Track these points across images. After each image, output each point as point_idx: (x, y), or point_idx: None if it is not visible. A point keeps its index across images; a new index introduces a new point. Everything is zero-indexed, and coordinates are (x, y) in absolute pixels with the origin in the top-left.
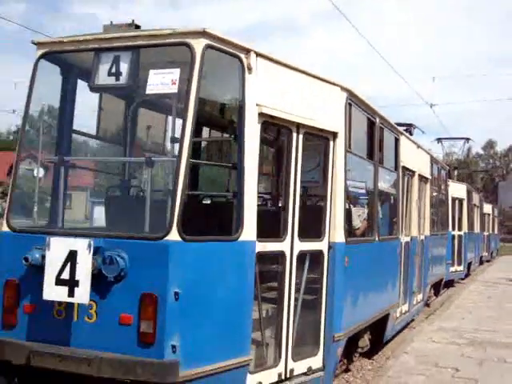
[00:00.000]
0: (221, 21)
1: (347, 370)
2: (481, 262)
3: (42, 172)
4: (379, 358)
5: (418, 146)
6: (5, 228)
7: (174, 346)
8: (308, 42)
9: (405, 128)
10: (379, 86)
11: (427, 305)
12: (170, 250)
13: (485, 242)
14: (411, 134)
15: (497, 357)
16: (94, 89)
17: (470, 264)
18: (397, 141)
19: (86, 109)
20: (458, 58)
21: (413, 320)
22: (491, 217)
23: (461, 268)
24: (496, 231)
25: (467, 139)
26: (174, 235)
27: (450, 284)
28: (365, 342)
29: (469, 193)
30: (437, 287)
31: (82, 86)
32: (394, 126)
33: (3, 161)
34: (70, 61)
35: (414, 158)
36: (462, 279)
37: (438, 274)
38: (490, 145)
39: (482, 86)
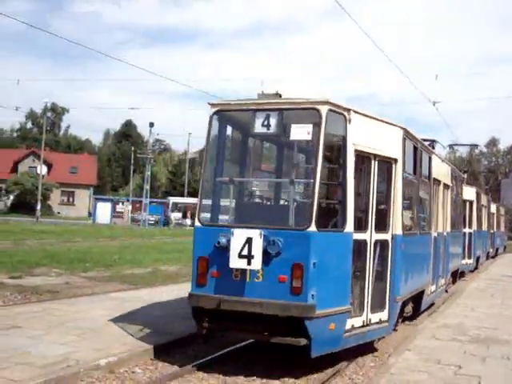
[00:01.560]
0: (222, 18)
1: (395, 330)
2: (487, 257)
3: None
4: (385, 349)
5: (443, 160)
6: (197, 224)
7: (312, 295)
8: (309, 40)
9: (428, 143)
10: (382, 83)
11: (446, 291)
12: (310, 236)
13: (491, 239)
14: (433, 148)
15: (500, 354)
16: (252, 135)
17: (478, 258)
18: (430, 159)
19: (247, 149)
20: (461, 56)
21: (433, 304)
22: (495, 216)
23: (471, 261)
24: (502, 229)
25: (476, 145)
26: (312, 228)
27: (461, 275)
28: (409, 308)
29: (478, 195)
30: (454, 276)
31: (243, 133)
32: (429, 148)
33: (7, 157)
34: (233, 116)
35: (440, 170)
36: (472, 271)
37: (455, 265)
38: (492, 142)
39: (485, 84)
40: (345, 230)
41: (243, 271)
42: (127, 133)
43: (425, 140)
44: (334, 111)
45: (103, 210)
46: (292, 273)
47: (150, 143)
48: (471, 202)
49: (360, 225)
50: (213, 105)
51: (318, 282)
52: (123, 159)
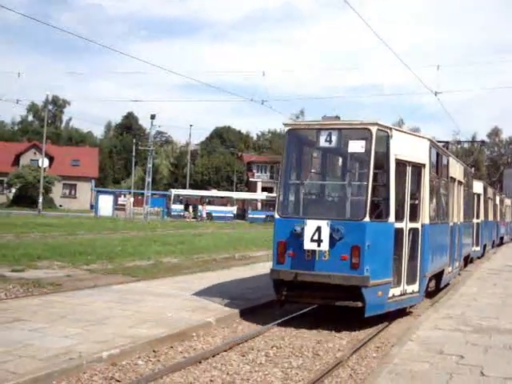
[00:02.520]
0: (223, 9)
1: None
2: (493, 246)
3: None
4: (388, 340)
5: (457, 161)
6: (277, 216)
7: (367, 269)
8: (312, 31)
9: (443, 144)
10: (385, 74)
11: (459, 274)
12: (365, 225)
13: (496, 228)
14: (447, 148)
15: (502, 343)
16: (317, 148)
17: (485, 246)
18: (448, 161)
19: (313, 158)
20: (462, 46)
21: (448, 284)
22: (499, 207)
23: (478, 248)
24: (508, 219)
25: (483, 142)
26: (367, 219)
27: (470, 261)
28: (432, 284)
29: (485, 188)
30: (466, 261)
31: (310, 146)
32: (447, 152)
33: (8, 150)
34: (302, 133)
35: (455, 169)
36: (479, 258)
37: (467, 250)
38: (495, 132)
39: (487, 74)
40: (389, 221)
41: (313, 252)
42: (128, 125)
43: (439, 142)
44: (381, 130)
45: (105, 203)
46: (351, 252)
47: (152, 135)
48: (479, 195)
49: (398, 216)
50: (286, 124)
51: (371, 259)
52: (125, 152)
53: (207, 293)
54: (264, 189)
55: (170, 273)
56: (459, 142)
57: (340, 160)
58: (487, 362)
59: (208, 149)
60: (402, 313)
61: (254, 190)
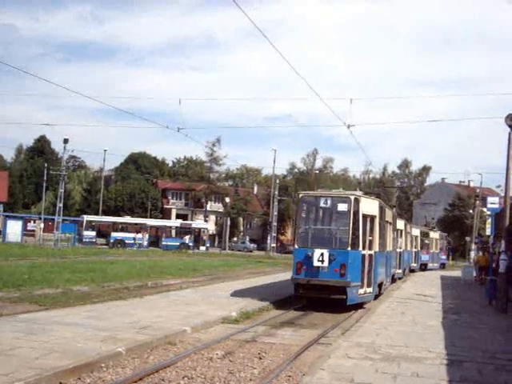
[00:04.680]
0: (143, 35)
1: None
2: (410, 270)
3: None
4: (300, 369)
5: (389, 209)
6: (296, 246)
7: (349, 277)
8: (229, 59)
9: (376, 195)
10: (301, 105)
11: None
12: (348, 252)
13: (413, 256)
14: (379, 195)
15: (410, 371)
16: (318, 207)
17: (405, 269)
18: (385, 211)
19: (316, 213)
20: (376, 80)
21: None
22: (417, 238)
23: (400, 271)
24: (419, 248)
25: (401, 188)
26: (349, 248)
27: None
28: (377, 289)
29: (405, 225)
30: (393, 279)
31: (314, 206)
32: (385, 205)
33: None
34: (310, 199)
35: (388, 214)
36: (400, 278)
37: (394, 271)
38: (405, 164)
39: (399, 107)
40: (359, 250)
41: (318, 267)
42: (40, 149)
43: (370, 193)
44: (355, 198)
45: (14, 229)
46: (340, 267)
47: (64, 160)
48: (401, 231)
49: (364, 247)
50: (300, 193)
51: (350, 271)
52: (36, 176)
53: (117, 322)
54: (178, 216)
55: (80, 301)
56: (399, 189)
57: (332, 214)
58: None
59: (122, 174)
60: (360, 306)
61: (169, 217)
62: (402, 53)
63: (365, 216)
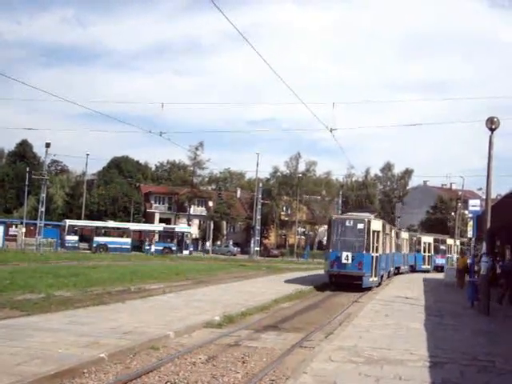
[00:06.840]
0: (126, 39)
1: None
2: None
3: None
4: (283, 373)
5: (391, 227)
6: (330, 250)
7: (364, 270)
8: (213, 64)
9: (376, 214)
10: (284, 109)
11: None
12: (363, 254)
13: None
14: (378, 214)
15: (393, 374)
16: (344, 226)
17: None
18: (386, 227)
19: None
20: (357, 84)
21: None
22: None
23: (406, 267)
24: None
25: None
26: (364, 252)
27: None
28: (380, 279)
29: (410, 235)
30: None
31: (341, 224)
32: (386, 222)
33: None
34: (338, 219)
35: (387, 228)
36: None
37: (399, 266)
38: (388, 167)
39: (381, 111)
40: (370, 253)
41: (345, 263)
42: (22, 153)
43: (373, 212)
44: (369, 220)
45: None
46: (358, 264)
47: (46, 164)
48: (406, 239)
49: (372, 250)
50: (332, 216)
51: (365, 266)
52: (17, 180)
53: (100, 328)
54: (162, 220)
55: (62, 307)
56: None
57: (353, 230)
58: None
59: (105, 178)
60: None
61: (152, 221)
62: (382, 57)
63: (373, 231)
